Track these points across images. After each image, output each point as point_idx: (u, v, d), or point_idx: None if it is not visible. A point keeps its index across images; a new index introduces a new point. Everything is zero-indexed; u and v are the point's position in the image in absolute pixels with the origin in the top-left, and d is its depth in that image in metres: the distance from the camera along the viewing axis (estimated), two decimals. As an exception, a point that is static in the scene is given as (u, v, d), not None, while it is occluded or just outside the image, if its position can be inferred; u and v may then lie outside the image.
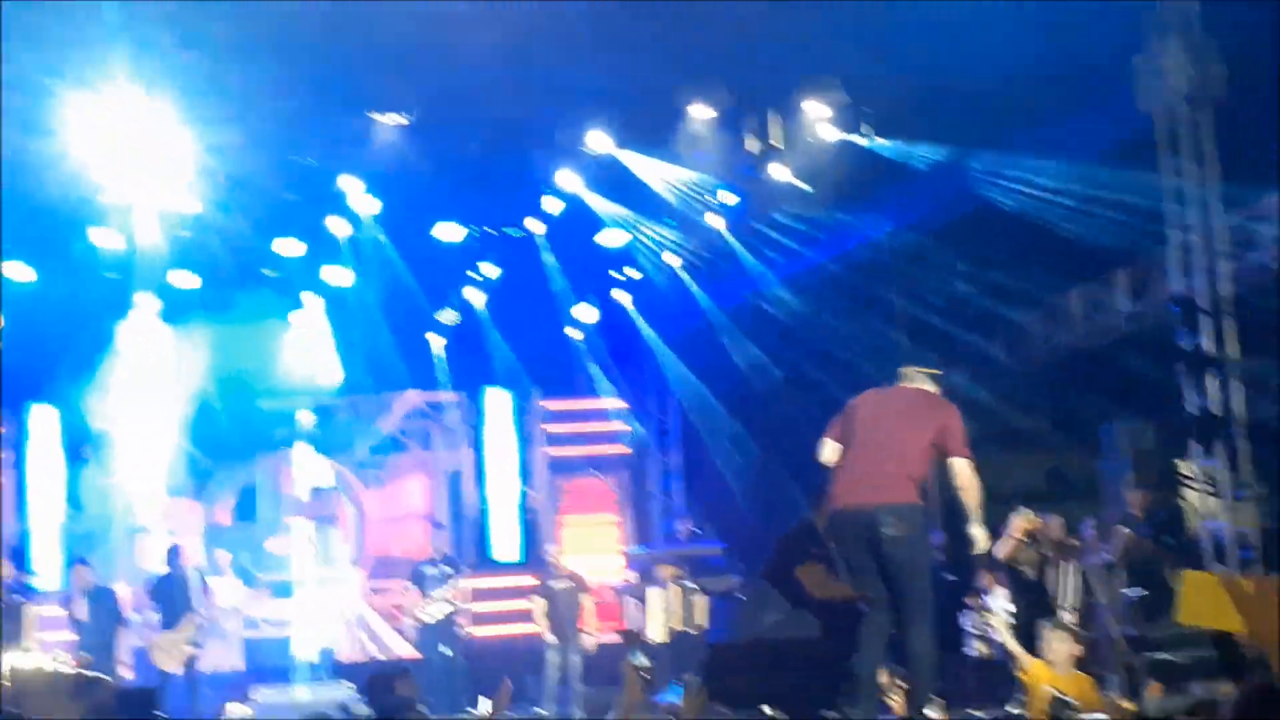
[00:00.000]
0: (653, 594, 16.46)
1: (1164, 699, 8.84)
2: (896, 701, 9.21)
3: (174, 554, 15.27)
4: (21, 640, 13.40)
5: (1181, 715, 7.12)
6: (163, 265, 16.64)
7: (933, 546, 8.18)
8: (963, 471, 8.06)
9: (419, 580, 16.50)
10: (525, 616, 16.94)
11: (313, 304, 18.59)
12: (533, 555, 19.62)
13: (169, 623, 14.82)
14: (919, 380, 8.46)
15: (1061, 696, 9.50)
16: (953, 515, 17.72)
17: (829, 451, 8.28)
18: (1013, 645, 11.03)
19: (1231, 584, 2.22)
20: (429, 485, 20.48)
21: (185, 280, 17.43)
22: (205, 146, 14.16)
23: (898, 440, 8.07)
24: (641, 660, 5.97)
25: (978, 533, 8.28)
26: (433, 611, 16.21)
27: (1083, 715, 9.27)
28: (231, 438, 18.79)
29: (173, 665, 14.63)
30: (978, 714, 11.00)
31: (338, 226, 16.90)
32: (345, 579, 19.13)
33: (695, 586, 16.43)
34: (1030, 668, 10.06)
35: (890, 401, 8.37)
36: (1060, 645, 9.78)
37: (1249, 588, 2.17)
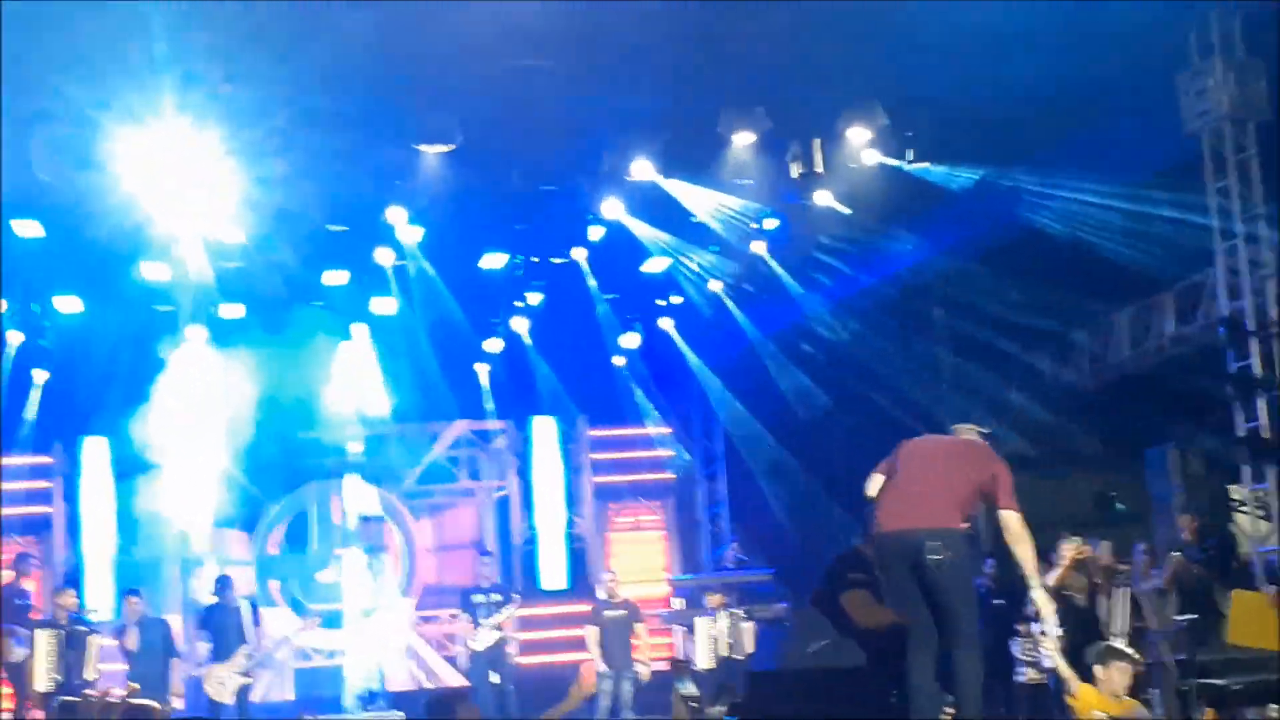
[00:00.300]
0: (700, 622, 16.42)
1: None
2: None
3: (224, 584, 15.35)
4: (85, 670, 13.52)
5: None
6: (210, 297, 16.79)
7: (979, 572, 8.18)
8: (1012, 524, 8.10)
9: (469, 608, 16.53)
10: (575, 645, 16.95)
11: (360, 334, 18.67)
12: (580, 583, 19.62)
13: (220, 653, 14.87)
14: (970, 435, 8.55)
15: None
16: (1001, 542, 17.67)
17: (874, 485, 8.34)
18: (1064, 669, 10.96)
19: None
20: (477, 514, 20.54)
21: (232, 311, 17.55)
22: (252, 178, 14.27)
23: (945, 476, 8.15)
24: (690, 689, 5.96)
25: (1040, 598, 8.35)
26: (483, 639, 16.23)
27: None
28: (281, 468, 18.90)
29: (224, 696, 14.68)
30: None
31: (384, 257, 17.00)
32: (395, 608, 19.19)
33: (742, 614, 16.37)
34: (1079, 693, 10.00)
35: (941, 445, 8.53)
36: (1113, 670, 9.72)
37: None
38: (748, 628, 16.23)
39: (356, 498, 19.39)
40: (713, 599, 16.61)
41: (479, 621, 16.34)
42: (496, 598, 16.51)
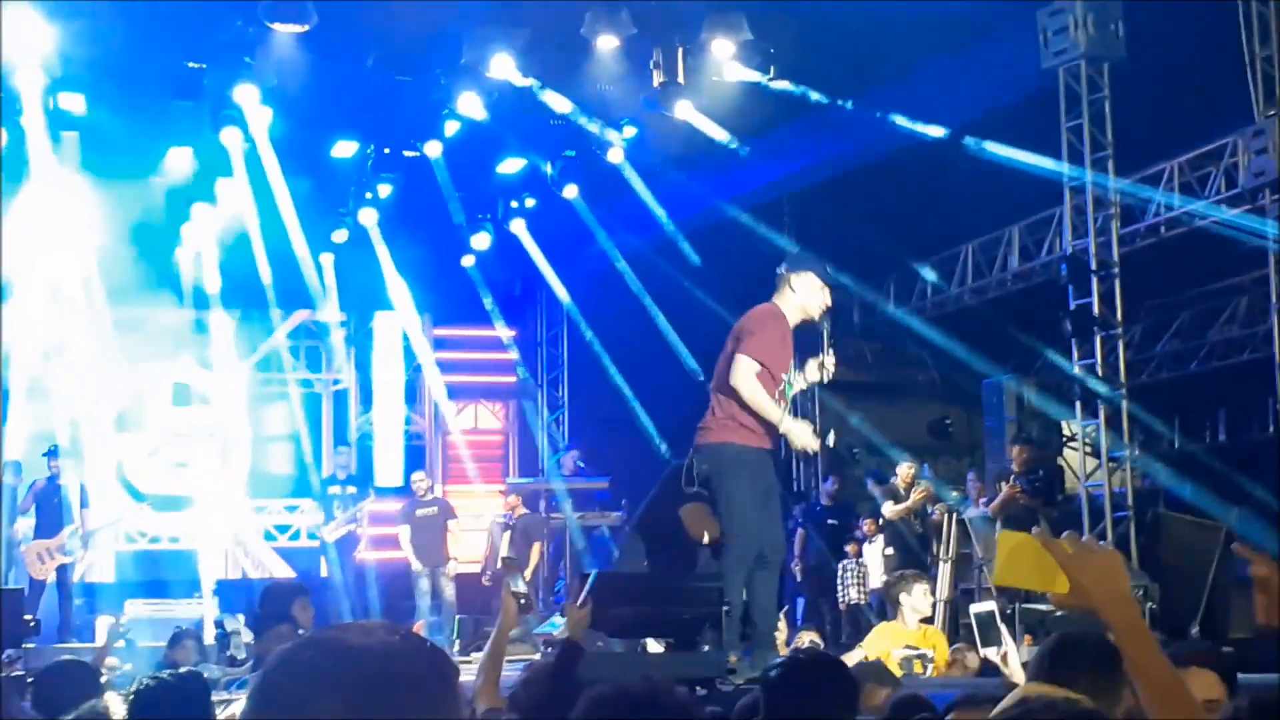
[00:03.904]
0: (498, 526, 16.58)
1: (1035, 648, 8.96)
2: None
3: (53, 456, 15.02)
4: None
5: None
6: (50, 165, 16.21)
7: (745, 483, 7.90)
8: (735, 369, 7.85)
9: (324, 499, 16.49)
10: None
11: (203, 214, 18.16)
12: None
13: (44, 530, 14.57)
14: (780, 284, 8.19)
15: (912, 651, 9.60)
16: (839, 461, 17.88)
17: None
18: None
19: (1050, 543, 2.22)
20: (313, 405, 20.24)
21: (69, 181, 16.95)
22: (95, 46, 13.83)
23: (719, 374, 8.08)
24: (520, 587, 5.91)
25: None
26: (336, 531, 16.21)
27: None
28: (116, 346, 18.37)
29: (44, 573, 14.40)
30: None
31: (231, 137, 16.51)
32: (226, 496, 18.89)
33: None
34: (874, 641, 10.10)
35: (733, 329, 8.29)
36: (916, 594, 9.84)
37: (1068, 547, 2.18)
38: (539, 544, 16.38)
39: (192, 382, 19.04)
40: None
41: (332, 514, 16.30)
42: (352, 490, 16.50)
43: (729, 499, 7.98)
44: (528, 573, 15.50)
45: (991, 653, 5.83)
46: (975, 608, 6.00)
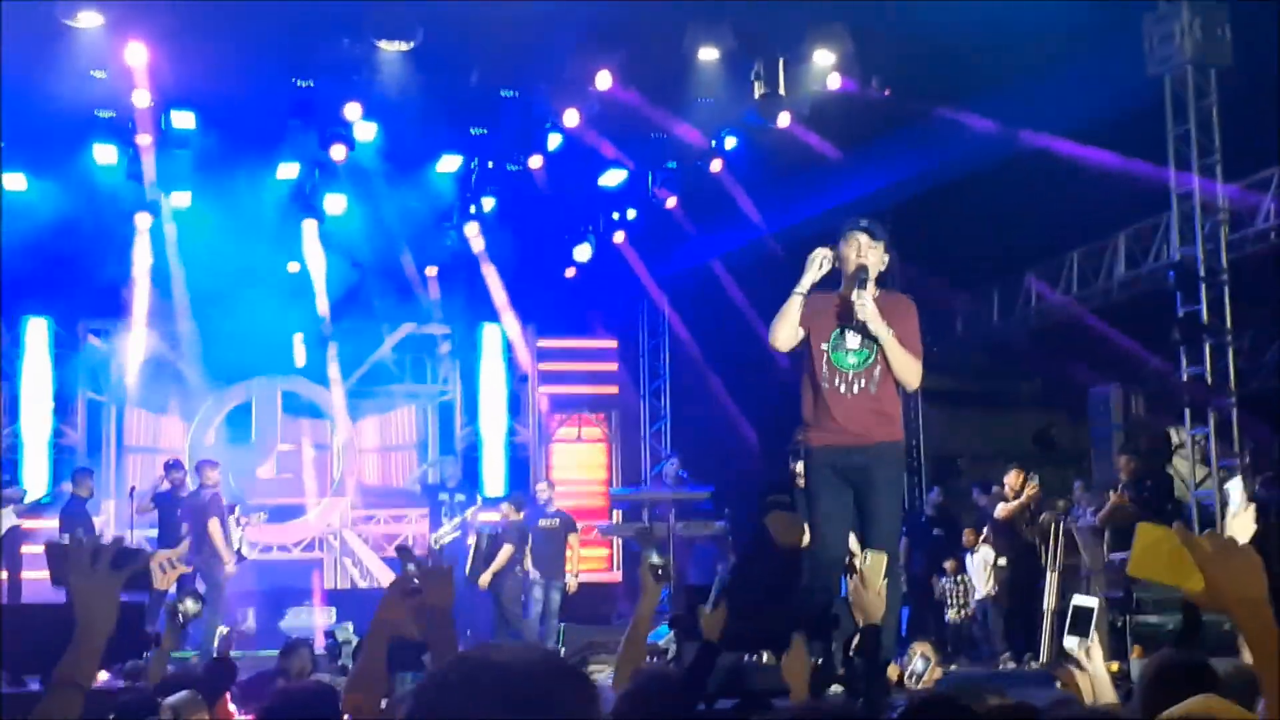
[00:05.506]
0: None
1: (1146, 661, 8.87)
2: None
3: (175, 469, 15.34)
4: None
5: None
6: (161, 183, 16.58)
7: (813, 489, 7.64)
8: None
9: (433, 506, 16.67)
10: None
11: (310, 230, 18.45)
12: (520, 491, 19.65)
13: (164, 539, 14.81)
14: None
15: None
16: (944, 472, 17.74)
17: None
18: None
19: (1190, 540, 2.20)
20: (419, 417, 20.46)
21: (180, 200, 17.36)
22: (206, 63, 14.12)
23: None
24: (655, 559, 5.90)
25: None
26: (444, 537, 16.35)
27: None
28: (225, 360, 18.72)
29: (165, 583, 14.63)
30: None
31: (338, 153, 16.77)
32: (334, 506, 19.17)
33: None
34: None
35: None
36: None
37: (1207, 545, 2.15)
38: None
39: (300, 394, 19.34)
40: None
41: (441, 520, 16.45)
42: (460, 497, 16.63)
43: (808, 510, 7.65)
44: (485, 576, 15.47)
45: (1073, 642, 5.64)
46: (1078, 599, 5.82)
